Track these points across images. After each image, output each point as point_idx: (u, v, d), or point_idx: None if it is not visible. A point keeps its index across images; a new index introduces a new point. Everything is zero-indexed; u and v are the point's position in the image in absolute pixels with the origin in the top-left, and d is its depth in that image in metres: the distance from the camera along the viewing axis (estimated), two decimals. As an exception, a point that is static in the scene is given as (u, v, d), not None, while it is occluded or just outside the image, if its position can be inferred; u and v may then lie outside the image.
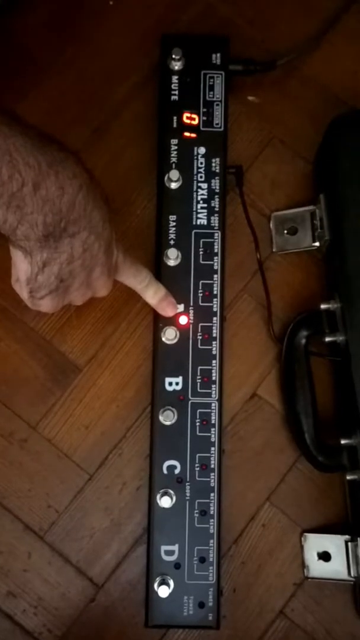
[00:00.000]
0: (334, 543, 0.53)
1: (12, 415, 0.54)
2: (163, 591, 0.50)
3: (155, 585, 0.50)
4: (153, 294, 0.51)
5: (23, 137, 0.34)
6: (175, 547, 0.50)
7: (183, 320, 0.53)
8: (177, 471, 0.51)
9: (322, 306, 0.53)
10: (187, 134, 0.54)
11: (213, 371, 0.52)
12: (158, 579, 0.50)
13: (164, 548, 0.50)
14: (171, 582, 0.50)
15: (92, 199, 0.39)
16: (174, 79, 0.55)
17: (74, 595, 0.53)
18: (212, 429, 0.52)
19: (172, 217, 0.54)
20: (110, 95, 0.59)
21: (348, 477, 0.51)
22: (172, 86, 0.55)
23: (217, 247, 0.54)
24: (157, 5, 0.61)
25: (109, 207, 0.42)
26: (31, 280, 0.40)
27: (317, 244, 0.56)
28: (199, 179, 0.54)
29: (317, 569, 0.53)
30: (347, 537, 0.52)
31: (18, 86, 0.59)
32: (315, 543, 0.53)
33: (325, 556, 0.53)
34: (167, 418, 0.51)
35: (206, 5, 0.61)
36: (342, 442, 0.51)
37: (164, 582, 0.50)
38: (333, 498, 0.54)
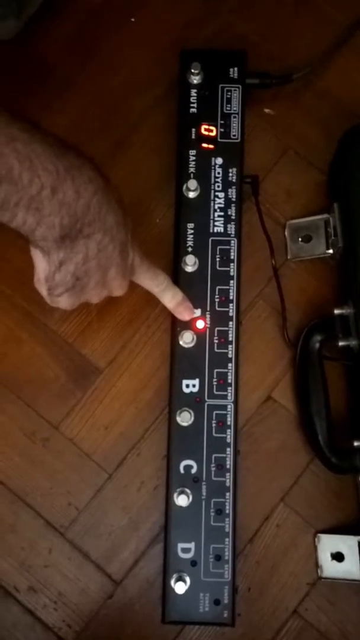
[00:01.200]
0: (347, 544, 0.54)
1: (35, 415, 0.56)
2: (180, 588, 0.51)
3: (172, 581, 0.51)
4: (170, 298, 0.52)
5: (42, 144, 0.36)
6: (192, 545, 0.52)
7: (200, 324, 0.54)
8: (193, 471, 0.53)
9: (336, 311, 0.54)
10: (205, 145, 0.56)
11: (229, 374, 0.54)
12: (175, 576, 0.51)
13: (180, 546, 0.52)
14: (188, 579, 0.51)
15: (107, 202, 0.41)
16: (193, 92, 0.57)
17: (93, 592, 0.54)
18: (228, 430, 0.53)
19: (190, 225, 0.56)
20: (130, 109, 0.61)
21: (361, 479, 0.52)
22: (191, 99, 0.57)
23: (233, 254, 0.55)
24: (177, 21, 0.63)
25: (124, 211, 0.44)
26: (49, 278, 0.42)
27: (330, 251, 0.57)
28: (216, 189, 0.56)
29: (330, 569, 0.54)
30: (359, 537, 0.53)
31: (41, 100, 0.61)
32: (328, 543, 0.54)
33: (338, 556, 0.54)
34: (184, 419, 0.53)
35: (223, 22, 0.63)
36: (355, 444, 0.52)
37: (180, 579, 0.51)
38: (346, 499, 0.55)
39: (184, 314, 0.53)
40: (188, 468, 0.53)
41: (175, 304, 0.53)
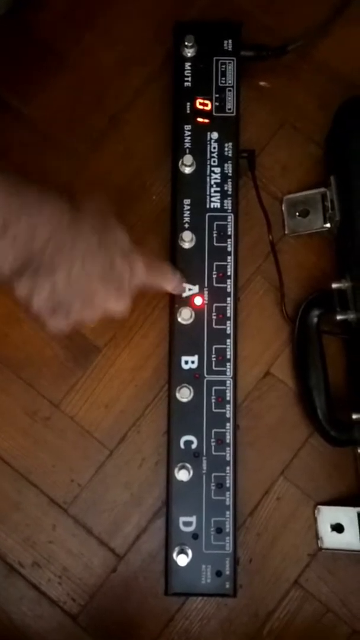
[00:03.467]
0: (347, 515, 0.54)
1: (37, 394, 0.57)
2: (182, 560, 0.52)
3: (174, 554, 0.52)
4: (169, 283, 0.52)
5: None
6: (193, 519, 0.52)
7: (198, 300, 0.54)
8: (193, 446, 0.53)
9: (334, 285, 0.54)
10: (200, 119, 0.56)
11: (227, 350, 0.54)
12: (177, 549, 0.52)
13: (182, 519, 0.52)
14: (189, 552, 0.52)
15: (73, 236, 0.40)
16: (187, 65, 0.57)
17: (97, 566, 0.55)
18: (227, 406, 0.54)
19: (187, 201, 0.55)
20: (125, 84, 0.61)
21: (359, 451, 0.53)
22: (185, 73, 0.57)
23: (230, 230, 0.55)
24: (170, -7, 0.62)
25: (107, 232, 0.42)
26: (29, 305, 0.41)
27: (328, 225, 0.57)
28: (212, 164, 0.56)
29: (330, 540, 0.55)
30: (359, 509, 0.54)
31: (37, 77, 0.61)
32: (328, 515, 0.55)
33: (338, 528, 0.54)
34: (184, 395, 0.53)
35: (218, -7, 0.62)
36: (354, 417, 0.52)
37: (182, 552, 0.52)
38: (345, 472, 0.56)
39: (177, 289, 0.53)
40: (188, 443, 0.53)
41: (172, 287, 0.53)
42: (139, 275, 0.46)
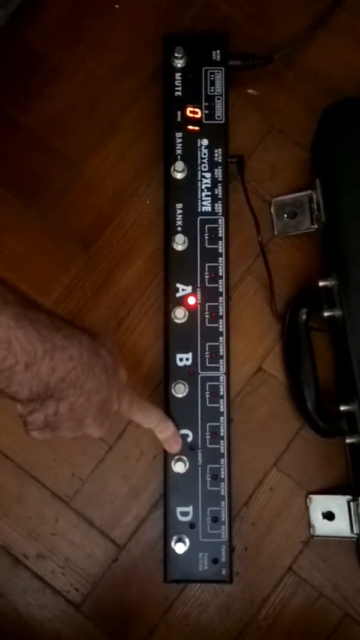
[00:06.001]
0: (337, 503, 0.57)
1: (37, 392, 0.59)
2: (180, 548, 0.54)
3: (173, 543, 0.54)
4: (161, 432, 0.54)
5: (25, 330, 0.37)
6: (190, 509, 0.55)
7: (191, 300, 0.57)
8: (189, 439, 0.55)
9: (321, 283, 0.56)
10: (190, 127, 0.58)
11: (220, 347, 0.56)
12: (175, 538, 0.54)
13: (179, 509, 0.55)
14: (187, 540, 0.54)
15: (86, 373, 0.41)
16: (177, 75, 0.59)
17: (98, 556, 0.57)
18: (221, 400, 0.56)
19: (179, 205, 0.58)
20: (118, 93, 0.63)
21: (348, 441, 0.55)
22: (176, 82, 0.59)
23: (221, 232, 0.57)
24: (160, 6, 0.64)
25: (112, 371, 0.44)
26: (22, 416, 0.43)
27: (315, 226, 0.59)
28: (203, 169, 0.58)
29: (322, 527, 0.57)
30: (349, 497, 0.56)
31: (33, 87, 0.63)
32: (319, 504, 0.57)
33: (329, 516, 0.57)
34: (179, 391, 0.55)
35: (206, 4, 0.64)
36: (342, 408, 0.55)
37: (180, 541, 0.54)
38: (335, 461, 0.58)
39: (173, 447, 0.54)
40: (184, 437, 0.55)
41: (165, 438, 0.54)
42: (123, 408, 0.48)
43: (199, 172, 0.58)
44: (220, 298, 0.57)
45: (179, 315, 0.56)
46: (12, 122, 0.62)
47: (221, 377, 0.56)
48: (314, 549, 0.57)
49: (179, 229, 0.57)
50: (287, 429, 0.59)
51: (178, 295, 0.57)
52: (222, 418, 0.56)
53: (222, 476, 0.55)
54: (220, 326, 0.57)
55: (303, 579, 0.57)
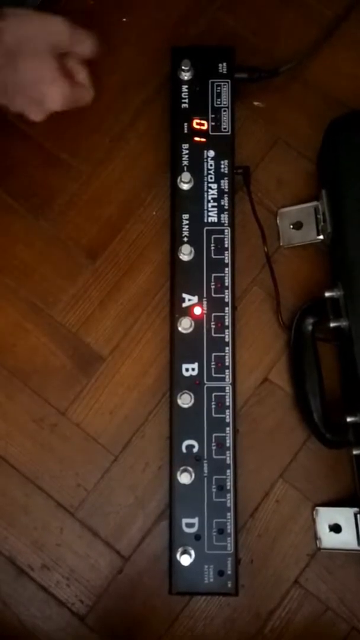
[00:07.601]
0: (344, 515, 0.56)
1: (44, 402, 0.59)
2: (185, 560, 0.54)
3: (178, 555, 0.54)
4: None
5: None
6: (195, 520, 0.54)
7: (197, 310, 0.57)
8: (195, 450, 0.55)
9: (327, 294, 0.56)
10: (197, 138, 0.59)
11: (226, 357, 0.56)
12: (180, 549, 0.54)
13: (184, 521, 0.54)
14: (192, 552, 0.54)
15: None
16: (184, 88, 0.60)
17: (103, 567, 0.57)
18: (227, 411, 0.56)
19: (185, 216, 0.58)
20: (126, 105, 0.64)
21: (354, 452, 0.55)
22: (183, 95, 0.60)
23: (227, 243, 0.58)
24: (167, 20, 0.65)
25: None
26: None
27: (321, 237, 0.59)
28: (209, 180, 0.58)
29: (328, 540, 0.56)
30: (356, 509, 0.56)
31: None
32: (326, 516, 0.57)
33: (336, 528, 0.56)
34: (185, 401, 0.55)
35: (212, 19, 0.65)
36: (348, 419, 0.54)
37: (185, 552, 0.54)
38: (342, 473, 0.57)
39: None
40: (190, 447, 0.55)
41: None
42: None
43: (205, 183, 0.58)
44: (226, 308, 0.57)
45: (185, 325, 0.56)
46: (21, 134, 0.63)
47: (227, 388, 0.56)
48: (321, 561, 0.57)
49: (185, 239, 0.58)
50: (294, 440, 0.58)
51: (184, 305, 0.57)
52: (227, 429, 0.55)
53: (228, 487, 0.55)
54: (226, 336, 0.57)
55: (309, 592, 0.57)
